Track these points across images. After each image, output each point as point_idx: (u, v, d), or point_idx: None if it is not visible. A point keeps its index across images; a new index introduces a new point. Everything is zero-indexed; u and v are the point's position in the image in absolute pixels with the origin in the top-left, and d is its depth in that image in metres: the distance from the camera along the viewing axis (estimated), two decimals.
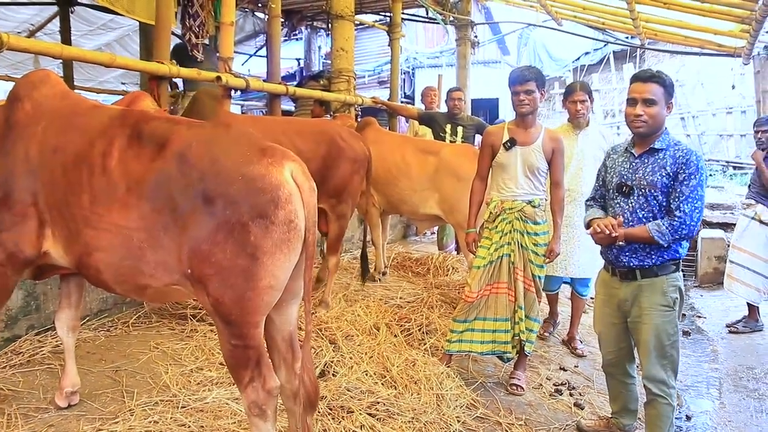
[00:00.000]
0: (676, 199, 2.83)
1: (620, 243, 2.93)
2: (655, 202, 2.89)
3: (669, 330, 2.93)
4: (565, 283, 4.71)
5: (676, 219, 2.81)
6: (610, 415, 3.40)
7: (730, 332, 5.64)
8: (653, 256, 2.91)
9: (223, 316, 2.17)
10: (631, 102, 2.94)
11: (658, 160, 2.90)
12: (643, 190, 2.92)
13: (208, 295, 2.16)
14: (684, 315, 6.40)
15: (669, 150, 2.90)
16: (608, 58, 17.85)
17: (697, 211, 2.80)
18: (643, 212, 2.92)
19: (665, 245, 2.84)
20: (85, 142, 2.39)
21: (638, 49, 15.19)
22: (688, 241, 2.95)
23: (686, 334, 5.76)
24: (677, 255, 2.93)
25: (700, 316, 6.33)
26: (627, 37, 11.21)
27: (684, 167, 2.83)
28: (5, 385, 2.98)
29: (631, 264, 2.97)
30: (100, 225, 2.32)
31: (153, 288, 2.36)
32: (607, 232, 2.88)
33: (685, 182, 2.81)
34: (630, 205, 2.97)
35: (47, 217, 2.49)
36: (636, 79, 2.95)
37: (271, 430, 2.26)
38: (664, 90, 2.88)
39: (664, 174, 2.87)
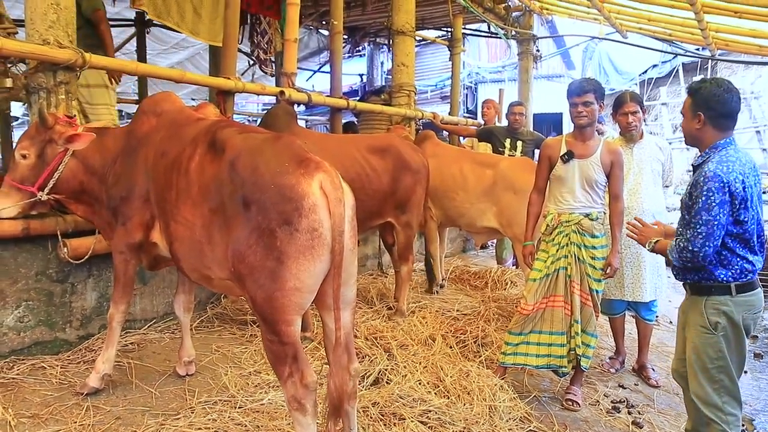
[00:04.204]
0: (686, 222, 2.73)
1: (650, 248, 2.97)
2: (684, 221, 2.76)
3: (710, 353, 2.74)
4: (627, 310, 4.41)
5: (681, 243, 2.71)
6: None
7: None
8: (691, 274, 2.79)
9: (258, 313, 2.35)
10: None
11: (693, 178, 2.78)
12: (681, 208, 2.84)
13: (246, 292, 2.36)
14: (756, 337, 6.10)
15: (699, 168, 2.75)
16: (677, 70, 17.27)
17: (700, 237, 2.62)
18: (680, 229, 2.79)
19: (678, 265, 2.79)
20: (181, 147, 2.74)
21: (709, 61, 14.64)
22: (700, 264, 2.72)
23: (758, 356, 5.49)
24: (713, 277, 2.72)
25: None
26: (697, 49, 10.84)
27: (694, 189, 2.68)
28: (80, 379, 3.18)
29: (678, 277, 2.89)
30: (178, 218, 2.65)
31: (215, 279, 2.64)
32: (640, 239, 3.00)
33: (694, 205, 2.67)
34: (679, 219, 2.88)
35: (155, 212, 2.89)
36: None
37: (311, 423, 2.35)
38: (691, 101, 2.78)
39: (687, 193, 2.76)
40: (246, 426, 2.84)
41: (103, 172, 3.13)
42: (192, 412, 2.94)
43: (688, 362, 2.86)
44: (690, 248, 2.65)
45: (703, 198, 2.61)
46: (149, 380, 3.30)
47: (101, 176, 3.14)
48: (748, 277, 2.74)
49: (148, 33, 8.79)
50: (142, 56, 8.52)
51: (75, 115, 3.49)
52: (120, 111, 15.93)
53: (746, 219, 2.67)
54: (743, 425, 4.01)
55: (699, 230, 2.63)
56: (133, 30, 8.95)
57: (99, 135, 3.22)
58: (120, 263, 3.08)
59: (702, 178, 2.64)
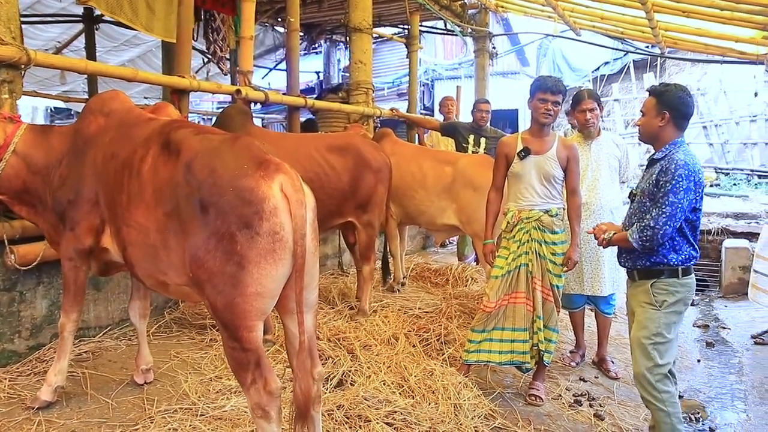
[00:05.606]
0: (646, 208, 2.99)
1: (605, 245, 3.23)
2: (644, 208, 3.02)
3: (651, 328, 3.00)
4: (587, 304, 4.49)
5: (642, 223, 2.96)
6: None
7: (756, 343, 5.54)
8: (642, 259, 3.05)
9: (219, 319, 2.29)
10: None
11: (654, 169, 3.03)
12: (640, 197, 3.08)
13: (206, 298, 2.30)
14: (707, 326, 6.31)
15: (663, 160, 3.00)
16: (628, 67, 17.72)
17: (663, 215, 2.89)
18: (636, 217, 3.07)
19: (638, 249, 3.00)
20: (132, 148, 2.65)
21: (659, 58, 15.07)
22: (657, 246, 2.97)
23: (710, 345, 5.67)
24: (666, 260, 3.00)
25: (724, 327, 6.23)
26: (647, 46, 11.14)
27: (663, 175, 2.93)
28: (30, 392, 3.05)
29: (627, 266, 3.16)
30: (130, 222, 2.56)
31: (171, 285, 2.56)
32: (597, 235, 3.23)
33: (661, 189, 2.92)
34: (631, 210, 3.15)
35: (106, 215, 2.77)
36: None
37: (276, 430, 2.30)
38: (656, 101, 3.03)
39: (651, 182, 2.99)
40: None
41: (47, 172, 3.01)
42: (151, 422, 2.85)
43: (631, 341, 3.09)
44: (652, 225, 2.90)
45: (673, 182, 2.87)
46: (105, 390, 3.18)
47: (45, 176, 3.02)
48: (692, 262, 3.03)
49: (97, 29, 8.52)
50: (91, 54, 8.25)
51: (20, 114, 3.35)
52: (69, 110, 15.51)
53: (700, 208, 2.97)
54: (697, 412, 4.14)
55: (664, 209, 2.88)
56: (81, 26, 8.66)
57: (44, 133, 3.10)
58: (69, 270, 2.95)
59: (673, 166, 2.89)
